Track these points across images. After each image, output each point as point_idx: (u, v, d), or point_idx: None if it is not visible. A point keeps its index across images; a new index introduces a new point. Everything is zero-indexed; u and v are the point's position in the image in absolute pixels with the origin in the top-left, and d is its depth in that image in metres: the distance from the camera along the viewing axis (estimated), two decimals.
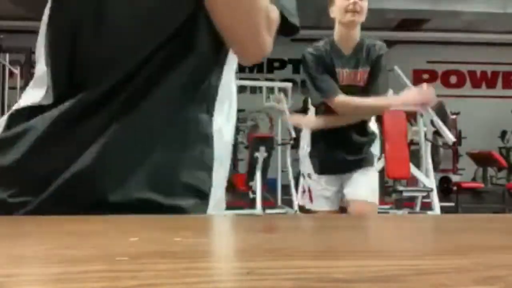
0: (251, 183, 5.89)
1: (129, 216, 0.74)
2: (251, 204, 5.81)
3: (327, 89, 2.30)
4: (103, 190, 0.76)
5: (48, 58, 0.83)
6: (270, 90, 6.95)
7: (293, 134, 6.17)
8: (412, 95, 2.37)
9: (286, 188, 6.29)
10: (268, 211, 5.65)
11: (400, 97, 2.44)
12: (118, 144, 0.77)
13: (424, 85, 2.37)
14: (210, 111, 0.84)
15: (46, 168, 0.78)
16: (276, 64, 11.55)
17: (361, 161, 2.34)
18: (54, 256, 0.47)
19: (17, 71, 5.86)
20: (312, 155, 2.40)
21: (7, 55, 5.63)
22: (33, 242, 0.57)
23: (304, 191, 2.52)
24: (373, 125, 2.46)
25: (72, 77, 0.80)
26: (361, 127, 2.36)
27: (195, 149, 0.81)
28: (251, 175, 5.84)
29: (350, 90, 2.31)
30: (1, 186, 0.79)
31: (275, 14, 0.88)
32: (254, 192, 5.76)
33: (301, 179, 2.59)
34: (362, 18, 2.30)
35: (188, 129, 0.81)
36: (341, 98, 2.26)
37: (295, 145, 8.40)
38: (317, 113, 2.42)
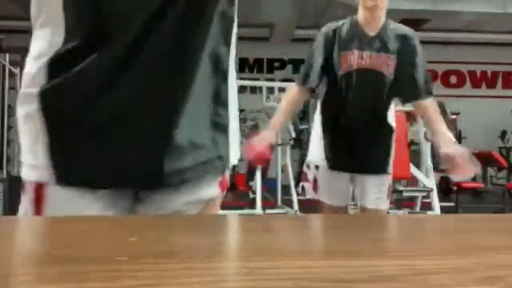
0: (251, 183, 5.89)
1: (129, 216, 0.74)
2: (251, 204, 5.81)
3: (302, 73, 2.22)
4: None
5: (69, 3, 0.82)
6: (270, 90, 6.95)
7: (293, 134, 6.18)
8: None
9: (286, 188, 6.29)
10: (268, 211, 5.65)
11: None
12: (158, 91, 0.84)
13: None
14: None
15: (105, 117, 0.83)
16: (276, 64, 11.54)
17: (376, 165, 2.22)
18: (54, 256, 0.47)
19: (17, 71, 5.86)
20: (325, 148, 2.20)
21: (7, 55, 5.63)
22: (33, 242, 0.57)
23: (306, 179, 2.28)
24: (391, 120, 2.32)
25: (96, 25, 0.82)
26: (379, 119, 2.21)
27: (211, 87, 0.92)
28: (251, 175, 5.84)
29: (369, 75, 2.13)
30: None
31: None
32: (254, 192, 5.76)
33: (305, 168, 2.32)
34: (384, 8, 2.14)
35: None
36: (291, 91, 2.23)
37: (295, 145, 8.41)
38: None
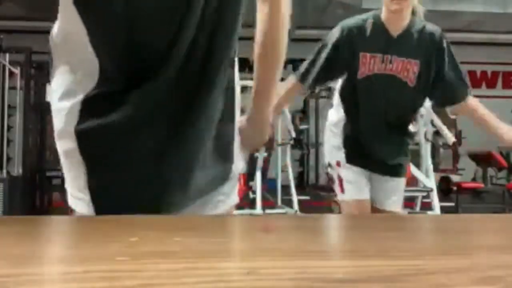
0: (251, 183, 5.88)
1: (129, 216, 0.74)
2: (251, 204, 5.80)
3: (301, 69, 2.03)
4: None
5: (100, 47, 0.88)
6: None
7: (293, 134, 6.17)
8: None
9: (286, 188, 6.28)
10: (268, 211, 5.65)
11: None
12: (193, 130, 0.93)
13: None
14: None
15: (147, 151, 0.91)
16: None
17: (394, 169, 2.06)
18: (54, 256, 0.47)
19: (17, 71, 5.86)
20: (345, 146, 2.06)
21: (7, 55, 5.63)
22: (33, 242, 0.57)
23: (333, 181, 2.12)
24: (412, 127, 2.20)
25: (128, 66, 0.88)
26: (402, 125, 2.02)
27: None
28: (251, 175, 5.84)
29: (389, 81, 1.92)
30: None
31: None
32: (254, 192, 5.75)
33: (329, 170, 2.14)
34: (410, 8, 1.91)
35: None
36: (289, 81, 2.04)
37: (295, 145, 8.39)
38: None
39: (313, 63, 2.00)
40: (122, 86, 0.88)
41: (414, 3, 1.95)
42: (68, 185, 0.94)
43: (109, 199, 0.90)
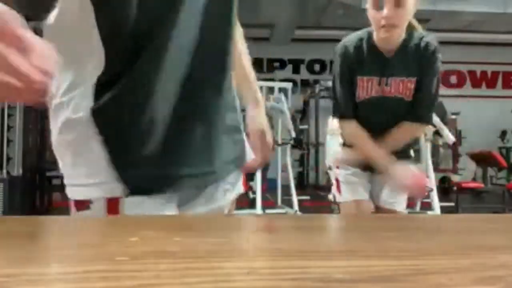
0: (251, 183, 5.89)
1: (129, 216, 0.74)
2: (251, 204, 5.80)
3: (341, 109, 1.94)
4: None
5: (108, 37, 0.90)
6: (270, 90, 6.94)
7: (293, 134, 6.18)
8: (409, 182, 1.81)
9: (286, 188, 6.29)
10: (268, 211, 5.65)
11: (398, 174, 1.83)
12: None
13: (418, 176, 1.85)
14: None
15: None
16: (276, 64, 11.53)
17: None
18: (54, 256, 0.47)
19: None
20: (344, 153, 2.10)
21: None
22: (33, 242, 0.57)
23: (332, 183, 2.17)
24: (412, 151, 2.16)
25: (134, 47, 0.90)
26: (402, 150, 1.99)
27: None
28: (251, 175, 5.84)
29: (388, 101, 1.89)
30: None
31: None
32: (254, 192, 5.75)
33: (330, 172, 2.20)
34: (401, 28, 1.81)
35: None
36: (351, 129, 1.92)
37: (295, 145, 8.39)
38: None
39: (344, 96, 1.93)
40: (129, 65, 0.89)
41: (409, 21, 1.87)
42: (79, 175, 0.92)
43: (138, 170, 0.91)
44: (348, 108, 1.90)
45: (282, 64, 11.53)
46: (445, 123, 5.61)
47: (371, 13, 1.82)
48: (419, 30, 1.92)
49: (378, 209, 2.06)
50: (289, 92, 6.91)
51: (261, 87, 7.25)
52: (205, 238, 0.59)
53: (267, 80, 9.41)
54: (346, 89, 1.90)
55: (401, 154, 1.97)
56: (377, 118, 1.92)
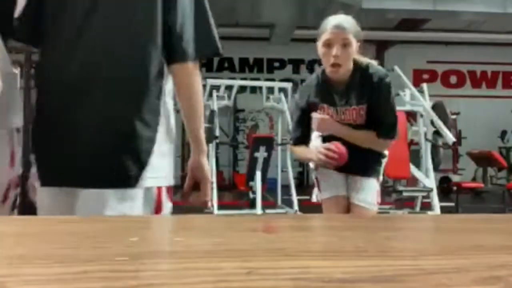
0: (251, 183, 5.88)
1: (129, 216, 0.74)
2: (251, 204, 5.80)
3: (292, 138, 2.34)
4: None
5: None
6: (270, 90, 6.94)
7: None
8: (321, 153, 2.07)
9: (286, 188, 6.29)
10: (268, 211, 5.65)
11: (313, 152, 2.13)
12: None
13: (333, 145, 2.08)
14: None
15: None
16: (276, 64, 11.53)
17: (367, 171, 2.29)
18: (54, 256, 0.47)
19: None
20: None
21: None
22: (33, 242, 0.57)
23: (315, 183, 2.41)
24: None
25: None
26: (367, 151, 2.22)
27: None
28: (251, 175, 5.84)
29: (347, 126, 2.18)
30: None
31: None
32: (254, 192, 5.75)
33: (313, 173, 2.44)
34: (346, 67, 2.07)
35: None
36: (293, 149, 2.35)
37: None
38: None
39: (295, 129, 2.29)
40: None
41: (355, 59, 2.12)
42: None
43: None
44: (298, 138, 2.28)
45: (282, 64, 11.54)
46: (445, 123, 5.60)
47: (321, 50, 2.08)
48: (365, 63, 2.16)
49: (351, 206, 2.26)
50: (289, 92, 6.91)
51: (261, 87, 7.28)
52: (205, 238, 0.59)
53: (267, 80, 9.42)
54: (298, 124, 2.27)
55: (370, 169, 2.28)
56: (342, 138, 2.19)
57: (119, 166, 1.15)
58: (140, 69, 1.19)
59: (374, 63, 2.21)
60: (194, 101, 1.26)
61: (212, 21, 1.28)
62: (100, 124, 1.16)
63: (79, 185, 1.14)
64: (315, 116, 2.13)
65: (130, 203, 1.13)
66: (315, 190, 2.40)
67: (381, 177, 2.38)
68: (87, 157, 1.15)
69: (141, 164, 1.16)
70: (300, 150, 2.27)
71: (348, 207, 2.27)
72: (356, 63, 2.13)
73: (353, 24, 2.09)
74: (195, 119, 1.27)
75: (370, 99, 2.11)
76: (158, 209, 1.19)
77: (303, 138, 2.26)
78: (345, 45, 2.03)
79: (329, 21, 2.08)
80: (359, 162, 2.19)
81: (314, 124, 2.17)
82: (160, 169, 1.21)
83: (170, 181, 1.26)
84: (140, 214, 1.10)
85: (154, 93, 1.20)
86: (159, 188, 1.21)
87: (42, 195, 1.23)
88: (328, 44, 2.04)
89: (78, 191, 1.13)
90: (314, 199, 2.46)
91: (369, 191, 2.27)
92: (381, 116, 2.13)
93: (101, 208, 1.09)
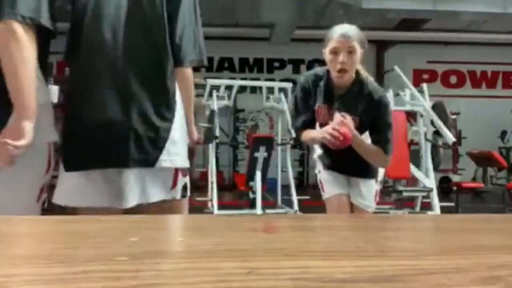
0: (251, 183, 5.88)
1: (129, 216, 0.74)
2: (251, 204, 5.80)
3: (298, 125, 2.41)
4: None
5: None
6: (270, 90, 6.93)
7: (293, 134, 6.16)
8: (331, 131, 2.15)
9: (286, 188, 6.29)
10: (268, 211, 5.65)
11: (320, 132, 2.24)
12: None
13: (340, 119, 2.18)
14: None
15: None
16: (276, 64, 11.53)
17: (365, 172, 2.44)
18: (54, 256, 0.47)
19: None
20: (321, 160, 2.52)
21: None
22: (33, 242, 0.57)
23: (319, 184, 2.56)
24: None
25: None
26: (359, 158, 2.33)
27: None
28: (251, 175, 5.83)
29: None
30: None
31: None
32: (254, 192, 5.75)
33: (317, 175, 2.58)
34: (351, 73, 2.23)
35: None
36: (303, 134, 2.40)
37: (295, 145, 8.39)
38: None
39: (300, 113, 2.38)
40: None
41: (360, 72, 2.28)
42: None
43: None
44: (304, 121, 2.37)
45: (282, 64, 11.54)
46: (445, 123, 5.60)
47: (328, 57, 2.23)
48: (366, 77, 2.31)
49: (351, 206, 2.43)
50: (289, 92, 6.91)
51: (261, 87, 7.27)
52: (205, 238, 0.59)
53: (267, 80, 9.41)
54: (301, 110, 2.36)
55: (369, 171, 2.43)
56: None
57: (142, 150, 1.44)
58: (159, 75, 1.47)
59: (372, 79, 2.37)
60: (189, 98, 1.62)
61: (201, 32, 1.59)
62: (129, 118, 1.42)
63: (121, 166, 1.43)
64: (337, 114, 2.21)
65: (151, 178, 1.46)
66: (321, 190, 2.53)
67: (379, 176, 2.54)
68: (120, 144, 1.42)
69: (159, 149, 1.45)
70: (307, 133, 2.35)
71: (350, 206, 2.43)
72: (357, 74, 2.28)
73: (358, 33, 2.22)
74: (190, 109, 1.61)
75: (364, 114, 2.25)
76: (174, 185, 1.51)
77: (308, 122, 2.35)
78: (351, 52, 2.18)
79: (335, 30, 2.21)
80: (359, 166, 2.35)
81: (334, 120, 2.22)
82: (174, 154, 1.49)
83: (184, 163, 1.54)
84: (159, 188, 1.46)
85: (171, 92, 1.49)
86: (176, 169, 1.50)
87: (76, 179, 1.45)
88: (334, 52, 2.18)
89: (122, 170, 1.43)
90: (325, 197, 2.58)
91: (368, 193, 2.44)
92: (382, 132, 2.27)
93: (140, 182, 1.45)
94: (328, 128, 2.14)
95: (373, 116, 2.24)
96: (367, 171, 2.41)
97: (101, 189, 1.44)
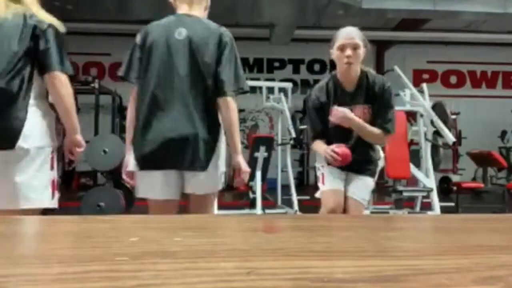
0: (251, 183, 5.88)
1: (129, 216, 0.74)
2: (251, 204, 5.80)
3: (313, 134, 2.80)
4: None
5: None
6: (270, 90, 6.93)
7: (293, 134, 6.17)
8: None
9: (286, 188, 6.29)
10: (268, 211, 5.65)
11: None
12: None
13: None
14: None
15: None
16: (276, 64, 11.53)
17: (364, 170, 2.74)
18: (54, 256, 0.47)
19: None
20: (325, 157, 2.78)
21: None
22: (33, 242, 0.57)
23: (319, 179, 2.86)
24: (378, 153, 2.82)
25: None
26: (363, 145, 2.69)
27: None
28: (251, 175, 5.82)
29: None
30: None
31: None
32: (254, 192, 5.74)
33: (317, 171, 2.90)
34: (358, 64, 2.61)
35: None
36: (315, 144, 2.79)
37: (295, 145, 8.38)
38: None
39: (313, 125, 2.79)
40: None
41: (363, 67, 2.67)
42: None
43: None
44: (318, 133, 2.77)
45: (282, 64, 11.54)
46: (445, 123, 5.59)
47: (336, 53, 2.62)
48: (371, 72, 2.71)
49: (346, 198, 2.73)
50: (289, 92, 6.91)
51: (261, 87, 7.27)
52: (205, 238, 0.59)
53: (267, 80, 9.41)
54: (315, 121, 2.76)
55: (366, 169, 2.75)
56: (345, 137, 2.69)
57: (196, 159, 2.00)
58: (205, 99, 2.03)
59: (373, 71, 2.75)
60: (233, 127, 2.10)
61: (241, 66, 2.17)
62: (186, 134, 1.98)
63: (182, 168, 2.02)
64: (335, 107, 2.59)
65: (204, 178, 2.03)
66: (319, 184, 2.82)
67: (376, 176, 2.83)
68: (180, 153, 2.00)
69: (207, 158, 2.02)
70: (315, 145, 2.79)
71: (344, 200, 2.73)
72: (362, 71, 2.67)
73: (361, 34, 2.63)
74: (234, 134, 2.08)
75: (373, 101, 2.64)
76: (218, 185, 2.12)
77: (321, 134, 2.75)
78: (355, 48, 2.58)
79: (341, 31, 2.63)
80: (357, 163, 2.67)
81: (332, 114, 2.60)
82: (217, 161, 2.05)
83: (223, 168, 2.11)
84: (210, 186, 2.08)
85: (212, 115, 2.05)
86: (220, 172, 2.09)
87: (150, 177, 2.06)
88: (341, 48, 2.59)
89: (184, 172, 2.04)
90: (318, 195, 2.83)
91: (362, 187, 2.75)
92: (383, 113, 2.63)
93: (200, 180, 2.05)
94: (328, 149, 2.59)
95: (379, 101, 2.63)
96: (364, 168, 2.73)
97: (171, 183, 2.04)
